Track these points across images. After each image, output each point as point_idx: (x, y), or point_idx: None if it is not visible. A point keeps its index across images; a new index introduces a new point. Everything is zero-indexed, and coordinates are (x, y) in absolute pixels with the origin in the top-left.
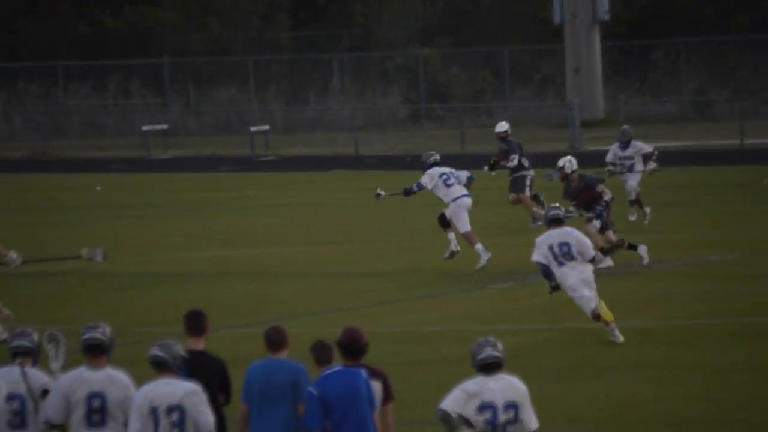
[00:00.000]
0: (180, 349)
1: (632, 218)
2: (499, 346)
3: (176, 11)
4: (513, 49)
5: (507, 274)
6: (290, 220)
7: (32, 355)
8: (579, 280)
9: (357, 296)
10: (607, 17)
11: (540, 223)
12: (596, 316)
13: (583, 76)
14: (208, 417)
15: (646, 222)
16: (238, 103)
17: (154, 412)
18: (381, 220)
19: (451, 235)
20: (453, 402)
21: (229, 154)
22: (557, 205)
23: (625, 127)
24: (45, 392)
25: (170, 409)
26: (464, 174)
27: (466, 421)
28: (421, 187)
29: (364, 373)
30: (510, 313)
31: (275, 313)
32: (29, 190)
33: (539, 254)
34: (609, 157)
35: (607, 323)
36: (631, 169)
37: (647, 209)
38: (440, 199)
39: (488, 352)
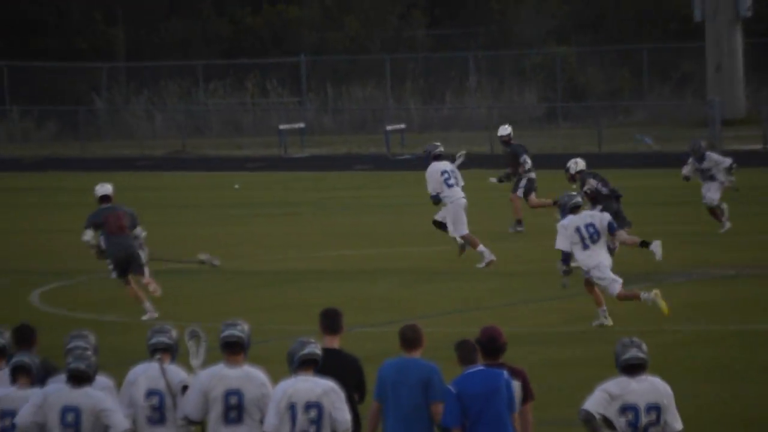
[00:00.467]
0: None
1: (722, 231)
2: (644, 347)
3: (315, 10)
4: (652, 47)
5: (642, 275)
6: (424, 219)
7: (171, 351)
8: (603, 263)
9: (488, 296)
10: (749, 14)
11: (521, 229)
12: (622, 297)
13: (724, 73)
14: (345, 415)
15: (721, 230)
16: (375, 101)
17: (292, 408)
18: (512, 220)
19: (481, 247)
20: (595, 403)
21: (365, 153)
22: (574, 193)
23: (696, 140)
24: (184, 388)
25: (308, 406)
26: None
27: (609, 423)
28: (435, 198)
29: (505, 374)
30: (644, 313)
31: (408, 312)
32: (169, 188)
33: (564, 241)
34: (686, 171)
35: (636, 296)
36: (712, 179)
37: (726, 222)
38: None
39: (633, 352)
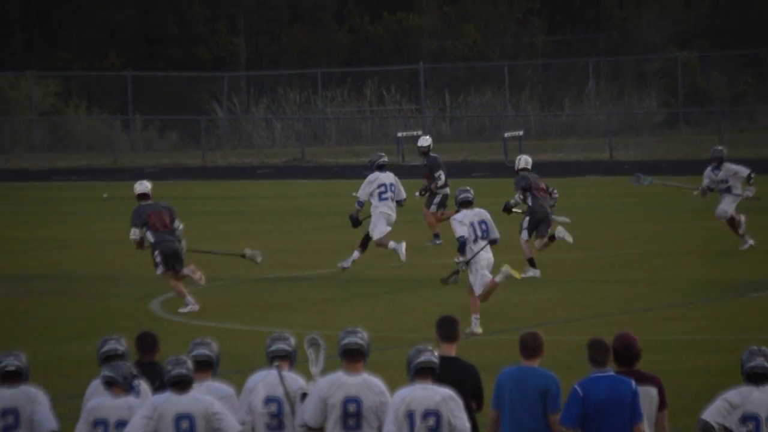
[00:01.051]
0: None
1: (743, 248)
2: None
3: (434, 18)
4: None
5: (728, 287)
6: None
7: (290, 358)
8: (486, 261)
9: (613, 303)
10: None
11: (439, 243)
12: (486, 295)
13: None
14: (464, 422)
15: (742, 248)
16: (492, 108)
17: (410, 415)
18: (634, 226)
19: (392, 243)
20: (715, 413)
21: (482, 160)
22: (468, 188)
23: (717, 147)
24: (303, 395)
25: (427, 414)
26: (402, 193)
27: None
28: (360, 204)
29: (633, 384)
30: None
31: (526, 320)
32: (287, 196)
33: (462, 230)
34: (705, 182)
35: (493, 284)
36: (728, 191)
37: (747, 240)
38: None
39: (759, 361)
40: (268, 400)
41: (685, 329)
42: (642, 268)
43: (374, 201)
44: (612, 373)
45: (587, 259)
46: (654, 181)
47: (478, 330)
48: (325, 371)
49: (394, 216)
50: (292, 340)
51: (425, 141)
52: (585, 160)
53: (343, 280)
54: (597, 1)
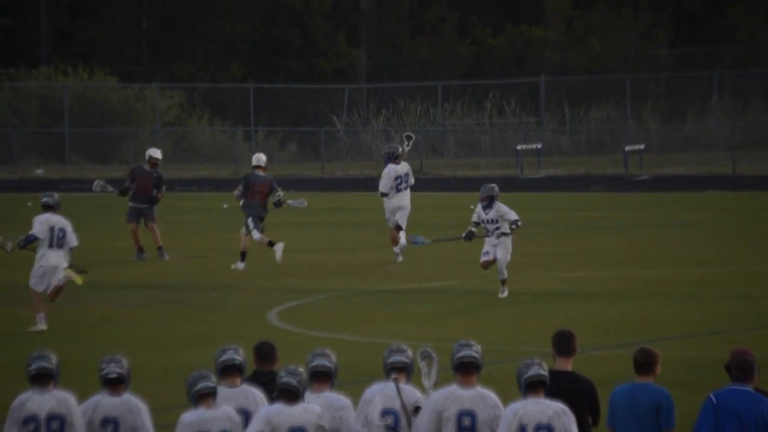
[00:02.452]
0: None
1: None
2: None
3: (558, 31)
4: None
5: None
6: (660, 241)
7: (407, 371)
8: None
9: (729, 320)
10: None
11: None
12: (51, 299)
13: None
14: None
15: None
16: (613, 121)
17: (522, 429)
18: (756, 242)
19: (399, 245)
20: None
21: (602, 174)
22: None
23: (487, 184)
24: (417, 408)
25: (539, 428)
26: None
27: None
28: (384, 195)
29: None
30: None
31: (643, 335)
32: None
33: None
34: (474, 217)
35: None
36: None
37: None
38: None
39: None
40: (385, 412)
41: None
42: (764, 284)
43: (391, 193)
44: (749, 389)
45: (707, 275)
46: (425, 242)
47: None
48: (438, 384)
49: (407, 204)
50: (410, 353)
51: (156, 153)
52: (707, 175)
53: (459, 292)
54: (722, 13)
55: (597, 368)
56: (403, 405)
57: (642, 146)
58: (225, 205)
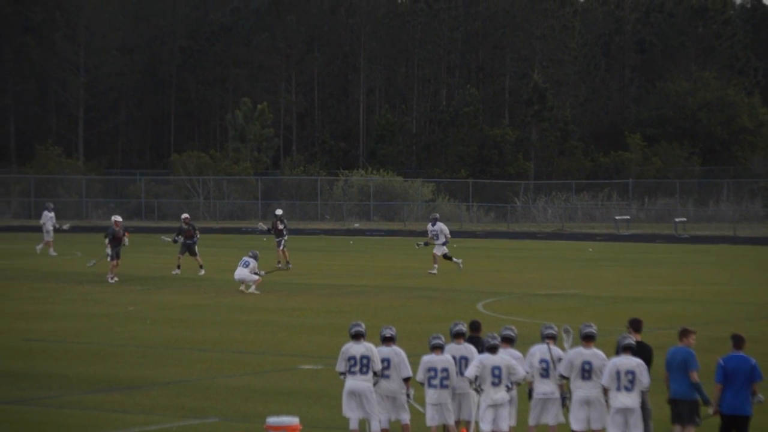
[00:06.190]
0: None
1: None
2: None
3: (637, 154)
4: None
5: None
6: (694, 270)
7: (554, 338)
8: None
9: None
10: None
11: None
12: None
13: None
14: (649, 380)
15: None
16: (669, 205)
17: (617, 372)
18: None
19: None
20: None
21: (660, 233)
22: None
23: (433, 213)
24: (559, 359)
25: (627, 372)
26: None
27: None
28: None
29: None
30: None
31: (698, 322)
32: None
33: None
34: (428, 228)
35: None
36: (440, 242)
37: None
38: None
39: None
40: (541, 360)
41: None
42: None
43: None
44: (742, 353)
45: (708, 291)
46: (420, 245)
47: None
48: (572, 347)
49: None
50: (556, 328)
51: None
52: (718, 235)
53: (583, 297)
54: (729, 149)
55: (655, 341)
56: (551, 357)
57: (684, 219)
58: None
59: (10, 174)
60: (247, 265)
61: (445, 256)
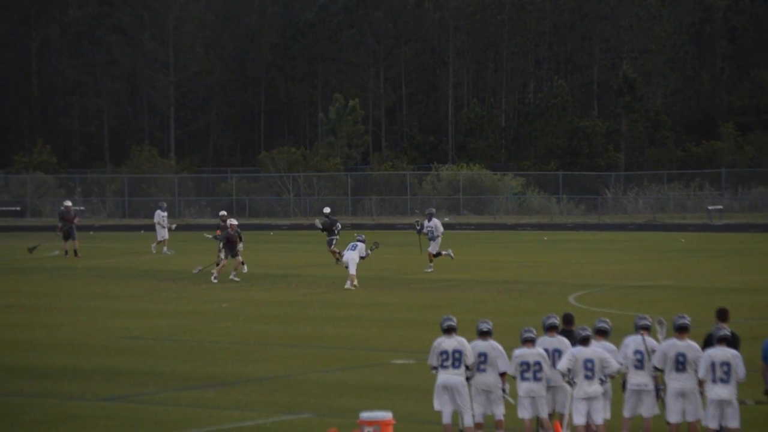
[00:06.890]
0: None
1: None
2: None
3: (730, 144)
4: None
5: None
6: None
7: (648, 330)
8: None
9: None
10: None
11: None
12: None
13: None
14: (744, 370)
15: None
16: None
17: (713, 364)
18: None
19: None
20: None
21: (762, 223)
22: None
23: (429, 208)
24: (653, 351)
25: (723, 363)
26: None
27: None
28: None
29: None
30: None
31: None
32: None
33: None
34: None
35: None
36: (432, 238)
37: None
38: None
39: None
40: (636, 351)
41: None
42: None
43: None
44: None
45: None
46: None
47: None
48: (666, 338)
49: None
50: (650, 319)
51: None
52: (755, 223)
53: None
54: None
55: (750, 332)
56: (646, 348)
57: None
58: (545, 238)
59: (105, 174)
60: (354, 247)
61: (437, 255)
